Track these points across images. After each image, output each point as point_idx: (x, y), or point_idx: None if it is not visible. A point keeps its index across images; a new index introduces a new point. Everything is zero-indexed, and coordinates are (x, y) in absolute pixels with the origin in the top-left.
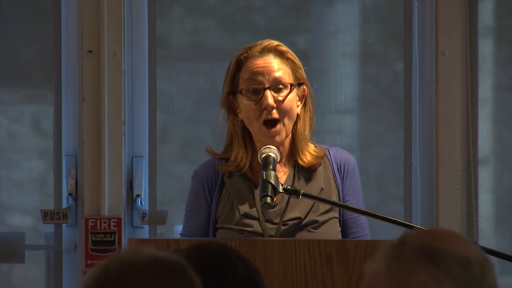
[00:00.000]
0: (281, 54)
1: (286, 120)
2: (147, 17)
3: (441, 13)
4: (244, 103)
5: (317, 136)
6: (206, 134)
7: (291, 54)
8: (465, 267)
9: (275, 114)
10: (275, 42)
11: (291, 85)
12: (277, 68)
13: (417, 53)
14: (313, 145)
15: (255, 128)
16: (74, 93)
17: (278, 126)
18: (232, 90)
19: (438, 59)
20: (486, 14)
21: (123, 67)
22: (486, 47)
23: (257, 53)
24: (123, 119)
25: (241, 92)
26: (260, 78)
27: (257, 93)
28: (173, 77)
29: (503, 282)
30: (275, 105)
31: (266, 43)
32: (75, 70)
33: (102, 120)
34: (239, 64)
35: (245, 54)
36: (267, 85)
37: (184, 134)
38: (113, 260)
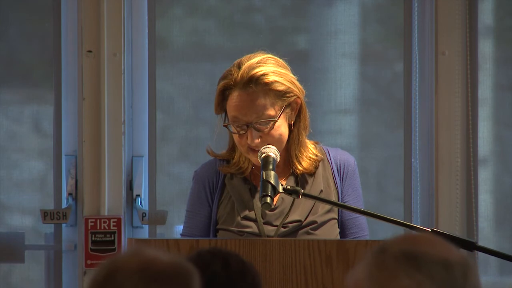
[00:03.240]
0: (264, 87)
1: (275, 146)
2: (147, 17)
3: (441, 13)
4: (232, 133)
5: (317, 136)
6: (206, 134)
7: (277, 83)
8: (447, 270)
9: (260, 146)
10: (260, 71)
11: (274, 118)
12: (260, 104)
13: (417, 53)
14: (313, 146)
15: (244, 153)
16: (74, 93)
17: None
18: (221, 113)
19: (438, 59)
20: (486, 14)
21: (123, 67)
22: (486, 47)
23: (240, 87)
24: (123, 119)
25: (228, 125)
26: (243, 116)
27: (242, 128)
28: (173, 77)
29: (503, 282)
30: (259, 141)
31: (249, 73)
32: (75, 70)
33: (102, 120)
34: (224, 94)
35: (229, 83)
36: (250, 122)
37: (184, 134)
38: (106, 265)
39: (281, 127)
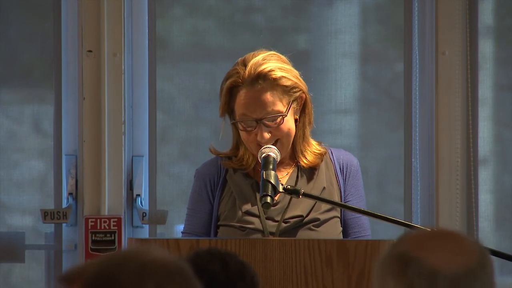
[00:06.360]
0: (272, 82)
1: (284, 140)
2: (147, 17)
3: (441, 13)
4: (240, 130)
5: (317, 136)
6: (206, 134)
7: (284, 78)
8: (430, 282)
9: (270, 142)
10: (267, 67)
11: (283, 113)
12: (269, 100)
13: (417, 53)
14: (316, 143)
15: (253, 150)
16: (74, 93)
17: (277, 146)
18: (228, 112)
19: (438, 59)
20: (486, 14)
21: (123, 67)
22: (486, 47)
23: (248, 84)
24: (123, 119)
25: (236, 122)
26: (252, 113)
27: (251, 125)
28: (173, 77)
29: (503, 282)
30: (269, 136)
31: (256, 69)
32: (75, 70)
33: (102, 120)
34: (232, 92)
35: (237, 81)
36: (259, 118)
37: (184, 134)
38: (127, 258)
39: (289, 122)
